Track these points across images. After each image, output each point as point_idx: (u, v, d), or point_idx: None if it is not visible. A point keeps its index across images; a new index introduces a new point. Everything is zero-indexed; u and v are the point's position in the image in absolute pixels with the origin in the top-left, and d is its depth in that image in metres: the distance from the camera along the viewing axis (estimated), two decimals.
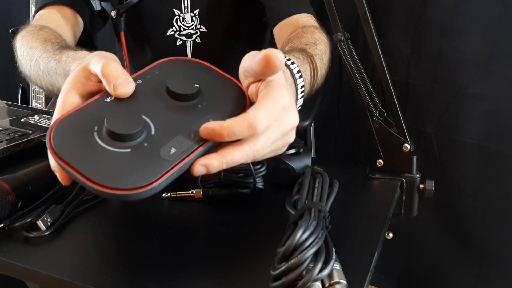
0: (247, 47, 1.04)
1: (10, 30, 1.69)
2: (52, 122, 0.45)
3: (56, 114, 0.46)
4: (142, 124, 0.44)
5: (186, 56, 0.96)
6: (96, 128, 0.44)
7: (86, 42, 0.95)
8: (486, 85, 1.14)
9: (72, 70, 0.55)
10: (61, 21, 0.89)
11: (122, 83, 0.46)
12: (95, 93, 0.48)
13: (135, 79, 0.49)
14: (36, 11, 0.91)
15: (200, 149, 0.45)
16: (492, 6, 1.08)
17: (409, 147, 0.65)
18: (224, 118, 0.48)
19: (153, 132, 0.45)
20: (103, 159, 0.42)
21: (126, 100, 0.47)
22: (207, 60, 0.94)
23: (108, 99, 0.47)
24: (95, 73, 0.48)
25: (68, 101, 0.47)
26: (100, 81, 0.48)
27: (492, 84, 1.13)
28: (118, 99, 0.47)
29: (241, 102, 0.52)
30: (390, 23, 1.23)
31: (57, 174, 0.45)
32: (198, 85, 0.50)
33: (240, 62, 0.78)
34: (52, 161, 0.45)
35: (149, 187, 0.41)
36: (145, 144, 0.44)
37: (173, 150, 0.44)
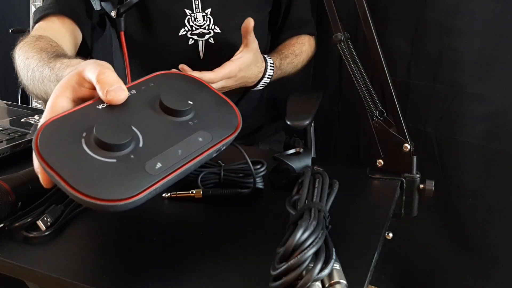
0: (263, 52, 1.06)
1: (10, 30, 1.70)
2: (40, 123, 0.44)
3: (45, 117, 0.46)
4: (131, 135, 0.44)
5: (199, 56, 0.97)
6: (84, 134, 0.43)
7: (84, 53, 0.95)
8: (486, 85, 1.13)
9: (64, 76, 0.55)
10: (61, 31, 0.88)
11: (115, 89, 0.46)
12: (87, 99, 0.48)
13: (129, 89, 0.49)
14: (36, 22, 0.91)
15: (186, 167, 0.45)
16: (492, 6, 1.08)
17: (409, 147, 0.65)
18: (214, 138, 0.49)
19: (141, 145, 0.45)
20: (87, 167, 0.41)
21: (118, 109, 0.47)
22: (220, 61, 0.96)
23: (100, 106, 0.47)
24: (89, 79, 0.47)
25: (58, 104, 0.47)
26: (93, 88, 0.48)
27: (492, 84, 1.13)
28: (110, 107, 0.47)
29: (233, 124, 0.52)
30: (390, 23, 1.23)
31: (40, 176, 0.45)
32: (191, 102, 0.50)
33: None
34: (36, 162, 0.45)
35: (130, 200, 0.40)
36: (132, 156, 0.43)
37: (158, 165, 0.43)
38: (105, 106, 0.47)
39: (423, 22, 1.18)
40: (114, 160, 0.42)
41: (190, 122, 0.49)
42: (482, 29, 1.11)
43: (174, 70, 0.58)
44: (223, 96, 0.56)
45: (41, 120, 0.46)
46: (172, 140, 0.46)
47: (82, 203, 0.41)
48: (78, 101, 0.48)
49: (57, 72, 0.63)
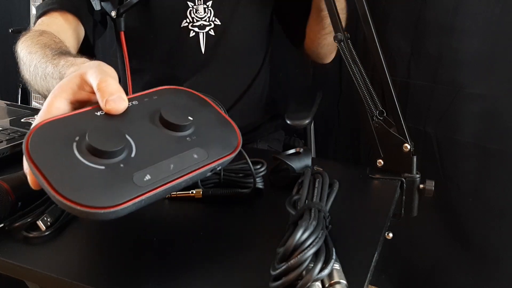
0: (263, 48, 1.05)
1: (10, 30, 1.70)
2: (34, 124, 0.44)
3: (40, 117, 0.45)
4: (123, 143, 0.43)
5: (200, 50, 0.97)
6: (77, 138, 0.43)
7: (86, 49, 0.95)
8: (486, 85, 1.13)
9: (67, 74, 0.54)
10: (63, 26, 0.89)
11: (115, 99, 0.46)
12: (85, 102, 0.47)
13: (131, 100, 0.48)
14: (38, 17, 0.91)
15: (176, 182, 0.44)
16: (492, 6, 1.08)
17: (409, 147, 0.65)
18: (210, 156, 0.47)
19: (133, 155, 0.44)
20: (74, 171, 0.40)
21: (116, 117, 0.46)
22: (221, 54, 0.94)
23: (99, 113, 0.46)
24: (90, 84, 0.47)
25: (54, 104, 0.46)
26: (93, 92, 0.47)
27: (492, 84, 1.13)
28: (108, 115, 0.46)
29: (232, 145, 0.50)
30: (390, 23, 1.23)
31: (28, 178, 0.44)
32: (192, 118, 0.49)
33: (254, 61, 0.87)
34: (25, 163, 0.44)
35: (112, 209, 0.39)
36: (121, 165, 0.42)
37: (147, 177, 0.42)
38: (103, 113, 0.46)
39: (423, 22, 1.18)
40: (103, 167, 0.41)
41: (188, 138, 0.48)
42: (482, 29, 1.11)
43: (180, 87, 0.56)
44: (227, 116, 0.54)
45: (35, 121, 0.45)
46: (166, 154, 0.45)
47: (64, 207, 0.39)
48: (76, 103, 0.47)
49: (61, 69, 0.63)
